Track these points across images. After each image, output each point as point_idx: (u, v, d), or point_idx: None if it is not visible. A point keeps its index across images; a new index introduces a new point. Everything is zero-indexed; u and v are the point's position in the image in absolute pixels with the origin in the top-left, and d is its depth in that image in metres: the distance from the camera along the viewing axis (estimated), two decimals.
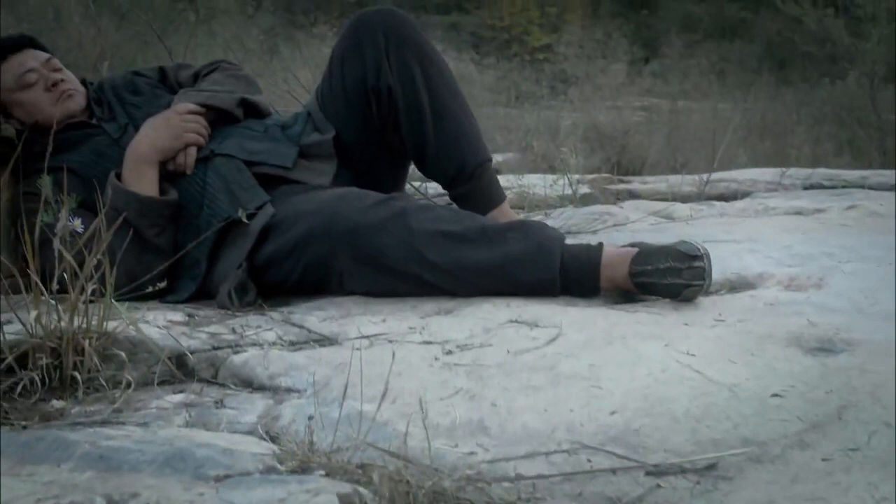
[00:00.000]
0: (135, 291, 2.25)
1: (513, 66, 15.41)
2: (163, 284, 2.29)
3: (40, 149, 2.63)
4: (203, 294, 2.50)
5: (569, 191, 5.08)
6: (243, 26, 11.07)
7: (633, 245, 2.27)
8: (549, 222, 3.33)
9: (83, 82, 2.93)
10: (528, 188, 5.23)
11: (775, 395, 1.65)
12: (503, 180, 5.70)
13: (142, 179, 2.54)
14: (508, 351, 1.91)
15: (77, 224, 1.88)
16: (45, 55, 2.86)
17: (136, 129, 2.68)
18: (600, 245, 2.29)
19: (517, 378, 1.78)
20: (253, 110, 2.81)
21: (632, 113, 11.07)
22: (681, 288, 2.17)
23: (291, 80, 9.20)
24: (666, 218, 3.50)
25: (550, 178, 5.39)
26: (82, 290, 1.88)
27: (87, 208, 2.31)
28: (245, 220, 2.39)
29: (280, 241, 2.38)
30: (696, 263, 2.15)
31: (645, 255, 2.21)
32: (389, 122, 2.65)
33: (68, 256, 1.86)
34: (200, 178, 2.58)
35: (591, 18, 16.71)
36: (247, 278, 2.39)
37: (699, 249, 2.16)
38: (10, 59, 2.80)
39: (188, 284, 2.51)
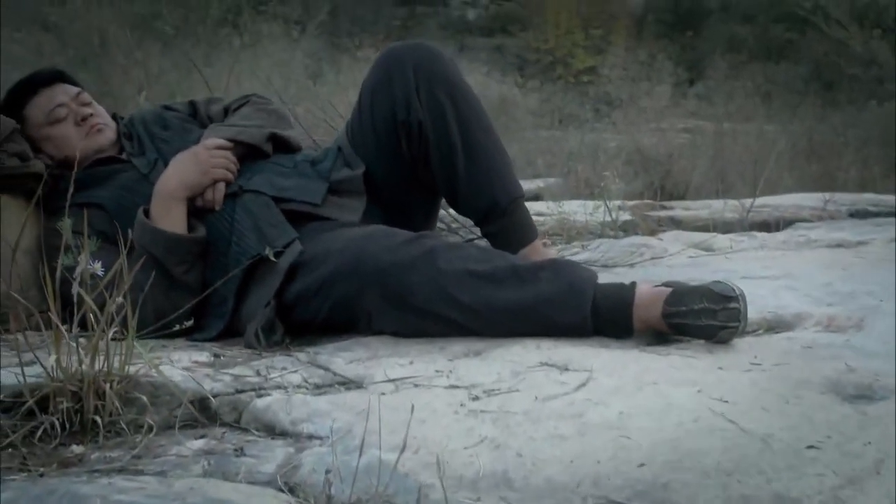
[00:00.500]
0: (162, 330, 2.23)
1: (557, 88, 15.36)
2: (189, 323, 2.26)
3: (68, 185, 2.62)
4: (231, 332, 2.47)
5: (609, 218, 5.04)
6: (287, 51, 11.09)
7: (667, 284, 2.22)
8: (586, 255, 3.29)
9: (113, 116, 2.93)
10: (568, 215, 5.19)
11: (810, 446, 1.60)
12: (543, 207, 5.71)
13: (170, 216, 2.52)
14: (536, 397, 1.86)
15: (97, 267, 1.85)
16: (75, 89, 2.86)
17: (166, 164, 2.66)
18: (633, 285, 2.24)
19: (544, 426, 1.73)
20: (283, 145, 2.79)
21: (676, 136, 11.00)
22: (716, 330, 2.11)
23: (329, 109, 9.21)
24: (706, 250, 3.44)
25: (591, 204, 5.36)
26: (103, 332, 1.86)
27: (114, 244, 2.29)
28: (272, 258, 2.36)
29: (308, 280, 2.35)
30: (731, 305, 2.09)
31: (679, 295, 2.15)
32: (420, 157, 2.61)
33: (88, 300, 1.84)
34: (229, 214, 2.56)
35: (635, 40, 16.58)
36: (274, 317, 2.35)
37: (734, 290, 2.10)
38: (40, 93, 2.81)
39: (216, 322, 2.48)
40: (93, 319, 1.85)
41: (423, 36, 20.36)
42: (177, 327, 2.20)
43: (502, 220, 2.59)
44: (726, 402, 1.79)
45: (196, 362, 2.17)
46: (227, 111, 2.92)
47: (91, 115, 2.82)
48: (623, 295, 2.21)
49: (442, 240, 2.39)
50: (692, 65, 16.36)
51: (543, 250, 2.65)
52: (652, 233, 4.87)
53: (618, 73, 14.46)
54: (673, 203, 6.66)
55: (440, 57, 2.62)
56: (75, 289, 1.79)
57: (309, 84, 10.89)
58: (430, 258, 2.22)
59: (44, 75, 2.87)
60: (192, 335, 2.44)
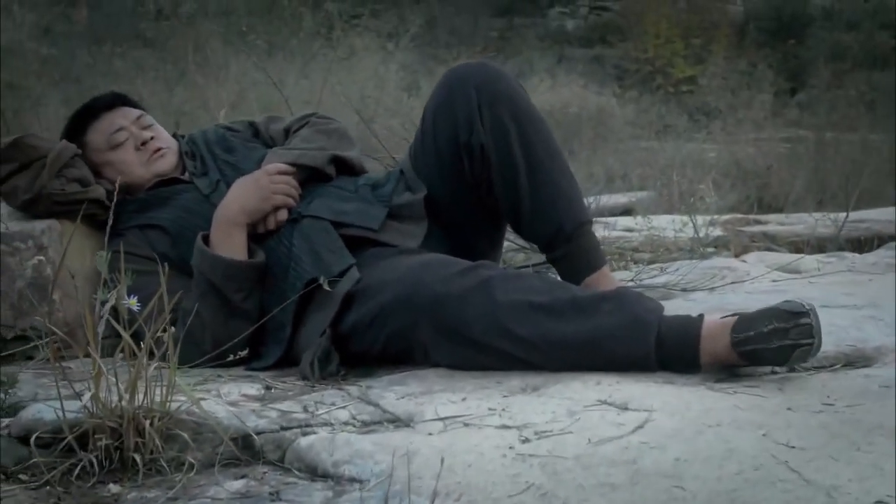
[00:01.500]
0: (219, 359, 2.18)
1: (656, 98, 15.15)
2: (244, 352, 2.20)
3: (128, 210, 2.60)
4: (289, 359, 2.41)
5: (698, 234, 4.91)
6: (382, 63, 11.08)
7: (733, 314, 2.10)
8: (665, 278, 3.17)
9: (174, 136, 2.90)
10: (657, 231, 5.07)
11: (879, 501, 1.47)
12: (632, 222, 5.58)
13: (230, 242, 2.47)
14: (590, 440, 1.76)
15: (133, 302, 1.80)
16: (135, 112, 2.84)
17: (228, 185, 2.62)
18: (701, 317, 2.12)
19: (595, 473, 1.63)
20: (345, 167, 2.72)
21: (776, 146, 10.75)
22: (789, 351, 1.98)
23: (411, 128, 9.18)
24: (791, 273, 3.29)
25: (681, 220, 5.22)
26: (143, 366, 1.81)
27: (175, 266, 2.26)
28: (327, 286, 2.30)
29: (363, 310, 2.28)
30: (803, 321, 1.97)
31: (746, 321, 2.03)
32: (483, 180, 2.53)
33: (126, 336, 1.79)
34: (287, 239, 2.50)
35: (735, 49, 16.30)
36: (330, 346, 2.29)
37: (804, 305, 1.98)
38: (101, 117, 2.79)
39: (274, 349, 2.43)
40: (131, 353, 1.80)
41: (521, 47, 20.29)
42: (231, 357, 2.16)
43: (568, 245, 2.49)
44: (792, 447, 1.67)
45: (245, 395, 2.11)
46: (287, 132, 2.86)
47: (151, 138, 2.79)
48: (689, 327, 2.10)
49: (500, 270, 2.31)
50: (794, 74, 16.05)
51: (611, 277, 2.54)
52: (742, 250, 4.73)
53: (717, 82, 14.20)
54: (768, 217, 6.49)
55: (504, 77, 2.53)
56: (101, 325, 1.74)
57: (403, 97, 10.89)
58: (486, 289, 2.14)
59: (104, 99, 2.85)
60: (250, 363, 2.38)
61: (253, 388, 2.17)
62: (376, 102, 9.18)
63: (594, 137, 12.40)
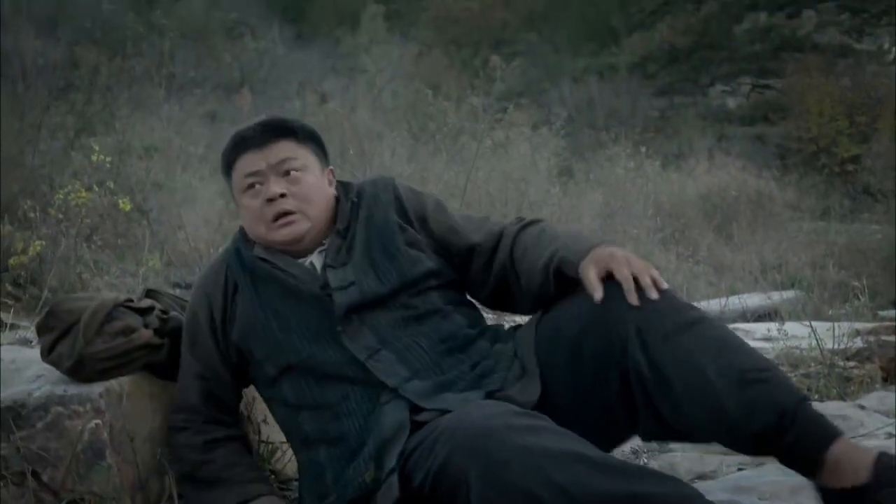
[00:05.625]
0: None
1: (818, 179, 14.82)
2: None
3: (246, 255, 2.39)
4: None
5: (841, 344, 4.66)
6: (532, 150, 11.06)
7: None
8: None
9: (342, 184, 2.49)
10: (799, 340, 4.83)
11: None
12: (771, 330, 5.34)
13: None
14: None
15: None
16: (286, 152, 2.37)
17: (362, 296, 2.27)
18: None
19: None
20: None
21: None
22: None
23: (575, 210, 9.11)
24: None
25: (824, 326, 4.96)
26: None
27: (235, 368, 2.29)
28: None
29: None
30: None
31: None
32: (617, 400, 2.16)
33: None
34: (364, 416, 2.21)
35: None
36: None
37: None
38: (247, 152, 2.38)
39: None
40: None
41: (681, 126, 20.10)
42: None
43: (794, 425, 2.05)
44: None
45: None
46: (453, 229, 2.43)
47: (282, 196, 2.33)
48: None
49: (555, 425, 2.00)
50: None
51: (856, 445, 2.06)
52: (883, 371, 4.47)
53: (883, 162, 13.80)
54: None
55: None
56: None
57: (556, 181, 10.84)
58: (534, 430, 1.91)
59: (257, 129, 2.39)
60: None
61: None
62: (522, 194, 9.15)
63: (753, 221, 12.15)
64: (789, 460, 2.04)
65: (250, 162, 2.35)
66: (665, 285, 2.10)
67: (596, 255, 2.15)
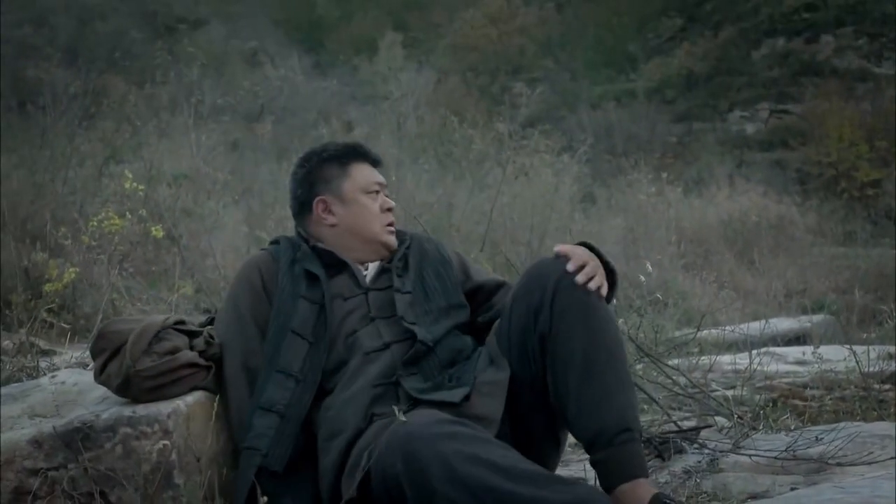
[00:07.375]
0: None
1: (839, 204, 14.80)
2: None
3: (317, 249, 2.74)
4: None
5: (875, 367, 4.65)
6: (556, 175, 11.04)
7: None
8: (821, 448, 2.95)
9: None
10: (832, 364, 4.82)
11: None
12: (805, 354, 5.34)
13: None
14: None
15: None
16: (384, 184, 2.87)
17: (411, 308, 2.64)
18: None
19: None
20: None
21: None
22: None
23: (598, 238, 9.10)
24: None
25: (859, 349, 4.94)
26: None
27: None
28: None
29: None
30: None
31: None
32: (541, 373, 2.45)
33: None
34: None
35: None
36: None
37: None
38: (368, 164, 2.84)
39: None
40: None
41: (700, 152, 20.14)
42: None
43: (607, 449, 2.34)
44: None
45: None
46: (481, 288, 2.84)
47: (390, 210, 2.82)
48: None
49: (482, 432, 2.23)
50: None
51: (648, 489, 2.30)
52: None
53: None
54: None
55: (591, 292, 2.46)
56: None
57: (579, 207, 10.85)
58: (454, 437, 2.14)
59: (371, 151, 2.88)
60: None
61: None
62: (545, 220, 9.16)
63: (775, 246, 12.15)
64: (598, 476, 2.35)
65: (375, 173, 2.84)
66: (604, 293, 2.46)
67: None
